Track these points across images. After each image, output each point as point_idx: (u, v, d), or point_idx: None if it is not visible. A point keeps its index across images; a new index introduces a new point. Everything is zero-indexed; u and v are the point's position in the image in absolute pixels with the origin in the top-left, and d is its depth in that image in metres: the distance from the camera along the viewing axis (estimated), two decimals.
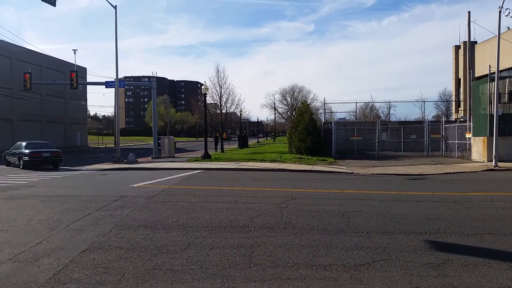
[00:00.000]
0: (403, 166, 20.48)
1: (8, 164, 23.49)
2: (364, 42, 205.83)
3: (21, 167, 21.47)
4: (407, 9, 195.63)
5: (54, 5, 13.70)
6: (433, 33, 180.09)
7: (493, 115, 19.41)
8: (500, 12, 18.98)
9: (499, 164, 18.86)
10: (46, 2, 13.41)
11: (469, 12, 25.80)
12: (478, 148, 22.42)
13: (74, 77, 29.52)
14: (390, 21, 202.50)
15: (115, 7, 25.23)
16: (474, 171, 18.02)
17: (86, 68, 56.84)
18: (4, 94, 40.37)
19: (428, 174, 17.13)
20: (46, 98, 47.33)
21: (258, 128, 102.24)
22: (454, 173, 17.60)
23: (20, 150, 22.11)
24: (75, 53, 50.24)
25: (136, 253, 5.77)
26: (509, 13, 18.86)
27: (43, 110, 47.73)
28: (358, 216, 8.19)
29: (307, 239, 6.49)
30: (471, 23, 26.16)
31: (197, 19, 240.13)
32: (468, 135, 23.67)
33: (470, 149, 23.61)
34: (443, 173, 17.44)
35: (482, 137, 21.84)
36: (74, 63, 47.76)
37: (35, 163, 21.32)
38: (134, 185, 13.41)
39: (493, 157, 19.06)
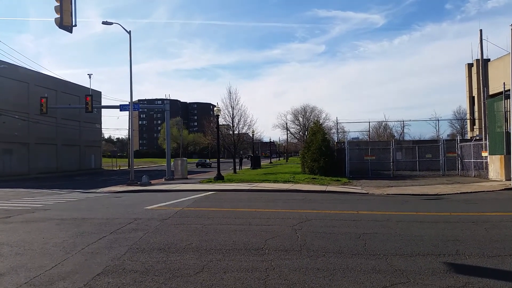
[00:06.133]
0: (419, 186, 20.17)
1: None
2: (375, 61, 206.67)
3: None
4: (418, 28, 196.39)
5: (71, 32, 14.04)
6: (445, 52, 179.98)
7: (510, 133, 19.11)
8: None
9: None
10: (63, 29, 13.75)
11: (481, 30, 25.80)
12: (495, 166, 22.01)
13: (89, 101, 30.14)
14: (401, 40, 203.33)
15: (129, 33, 25.87)
16: (491, 191, 17.65)
17: (101, 92, 58.00)
18: (22, 119, 41.23)
19: (445, 194, 16.82)
20: (61, 122, 48.22)
21: (270, 149, 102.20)
22: (471, 192, 17.26)
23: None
24: (90, 77, 51.06)
25: (150, 276, 5.73)
26: None
27: (59, 133, 48.55)
28: (375, 238, 8.04)
29: (323, 262, 6.38)
30: (483, 40, 26.12)
31: (209, 43, 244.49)
32: (484, 154, 23.29)
33: (487, 168, 23.19)
34: (460, 193, 17.11)
35: (499, 156, 21.45)
36: (89, 87, 48.76)
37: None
38: (148, 208, 13.43)
39: (511, 176, 18.66)
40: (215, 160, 61.67)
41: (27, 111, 42.40)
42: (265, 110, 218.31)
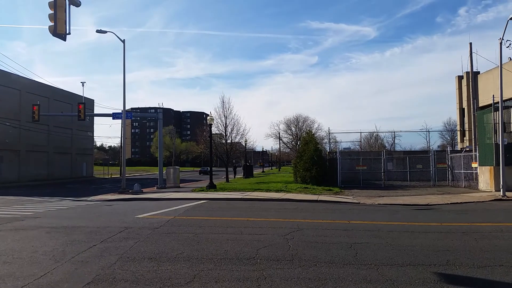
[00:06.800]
0: (410, 196, 20.29)
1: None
2: (367, 73, 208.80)
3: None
4: (409, 40, 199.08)
5: (65, 40, 13.99)
6: (436, 64, 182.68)
7: (499, 144, 19.36)
8: (501, 43, 19.28)
9: (507, 193, 18.65)
10: (57, 37, 13.71)
11: (470, 44, 26.25)
12: (485, 177, 22.24)
13: (82, 109, 30.04)
14: (393, 52, 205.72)
15: (123, 41, 25.91)
16: (481, 201, 17.80)
17: (93, 100, 57.73)
18: (13, 126, 40.90)
19: (436, 204, 16.94)
20: (53, 129, 47.86)
21: (263, 158, 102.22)
22: (461, 203, 17.40)
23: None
24: (83, 85, 50.80)
25: (140, 286, 5.69)
26: (510, 44, 19.15)
27: (50, 141, 48.14)
28: (366, 248, 8.07)
29: (314, 271, 6.39)
30: (473, 53, 26.55)
31: (204, 52, 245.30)
32: (474, 165, 23.53)
33: (477, 179, 23.41)
34: (451, 203, 17.24)
35: (488, 167, 21.69)
36: (82, 95, 48.61)
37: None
38: (139, 216, 13.35)
39: (501, 187, 18.87)
40: (216, 168, 61.39)
41: (18, 118, 42.09)
42: (258, 119, 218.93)
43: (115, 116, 30.35)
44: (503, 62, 20.03)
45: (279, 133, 78.54)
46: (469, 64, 27.04)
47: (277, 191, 23.36)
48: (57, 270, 6.54)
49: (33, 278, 6.07)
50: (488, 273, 6.27)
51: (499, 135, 19.56)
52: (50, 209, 16.44)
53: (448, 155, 28.23)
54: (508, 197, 18.24)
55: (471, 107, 28.10)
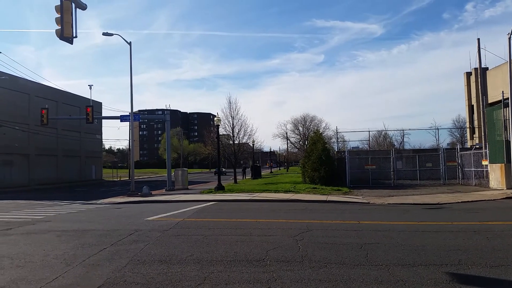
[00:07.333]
0: (420, 195, 20.13)
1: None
2: (374, 71, 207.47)
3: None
4: (416, 37, 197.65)
5: (72, 43, 14.10)
6: (443, 60, 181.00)
7: (510, 141, 19.14)
8: (509, 38, 19.07)
9: None
10: (64, 41, 13.82)
11: (478, 39, 25.99)
12: (496, 175, 21.99)
13: (90, 112, 30.22)
14: (400, 49, 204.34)
15: (130, 44, 26.05)
16: (493, 199, 17.61)
17: (101, 103, 58.08)
18: (22, 130, 41.32)
19: (446, 203, 16.79)
20: (62, 133, 48.25)
21: (270, 158, 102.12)
22: (472, 201, 17.22)
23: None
24: (90, 88, 51.03)
25: None
26: None
27: (59, 144, 48.54)
28: (377, 248, 8.02)
29: (325, 273, 6.35)
30: (481, 49, 26.29)
31: (209, 53, 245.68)
32: (484, 162, 23.29)
33: (487, 177, 23.16)
34: (461, 202, 17.08)
35: (499, 164, 21.44)
36: (89, 98, 48.99)
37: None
38: (149, 219, 13.40)
39: None
40: (225, 169, 61.89)
41: (27, 122, 42.52)
42: (265, 119, 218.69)
43: (123, 118, 30.53)
44: None
45: (286, 133, 78.27)
46: (477, 60, 26.81)
47: (285, 191, 23.32)
48: (68, 274, 6.58)
49: (45, 282, 6.11)
50: (501, 273, 6.19)
51: (509, 132, 19.34)
52: (61, 213, 16.58)
53: (458, 153, 27.98)
54: None
55: (480, 103, 27.82)
